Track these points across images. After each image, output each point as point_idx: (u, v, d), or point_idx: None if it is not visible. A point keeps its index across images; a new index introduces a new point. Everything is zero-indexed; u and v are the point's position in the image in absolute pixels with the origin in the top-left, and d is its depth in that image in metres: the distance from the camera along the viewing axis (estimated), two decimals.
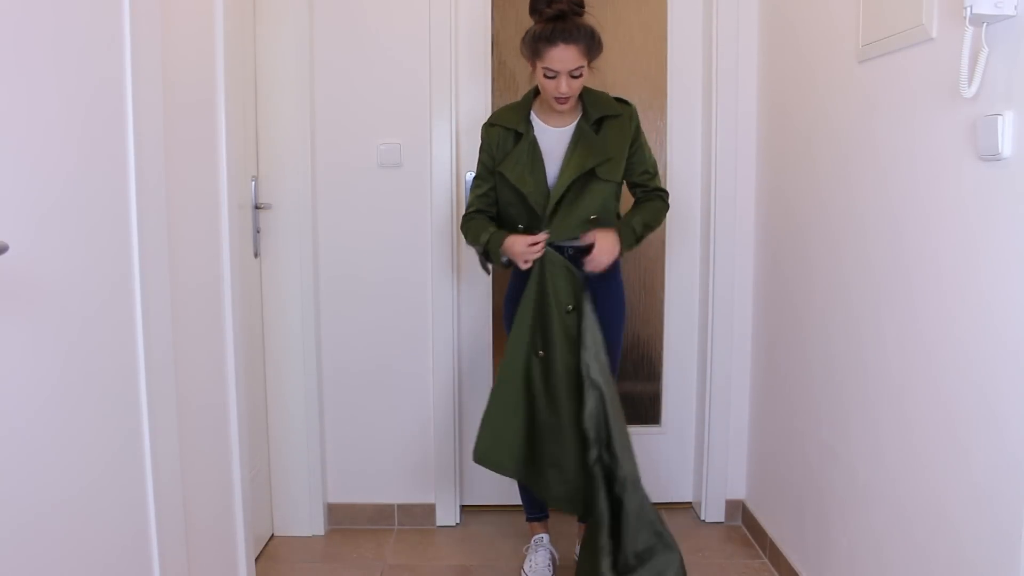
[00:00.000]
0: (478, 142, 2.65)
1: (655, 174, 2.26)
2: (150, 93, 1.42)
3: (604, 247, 2.07)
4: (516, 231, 2.15)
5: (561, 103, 2.09)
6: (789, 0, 2.31)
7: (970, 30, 1.30)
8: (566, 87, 2.04)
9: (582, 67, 2.04)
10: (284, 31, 2.45)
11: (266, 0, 2.44)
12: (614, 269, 2.21)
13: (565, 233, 2.11)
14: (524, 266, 2.09)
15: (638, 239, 2.16)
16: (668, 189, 2.69)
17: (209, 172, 1.79)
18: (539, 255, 2.08)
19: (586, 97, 2.18)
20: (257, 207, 2.48)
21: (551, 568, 2.35)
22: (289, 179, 2.51)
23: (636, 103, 2.68)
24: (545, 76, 2.05)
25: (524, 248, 2.07)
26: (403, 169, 2.61)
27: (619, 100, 2.22)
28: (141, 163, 1.37)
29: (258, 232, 2.50)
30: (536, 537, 2.40)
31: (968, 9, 1.26)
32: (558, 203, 2.10)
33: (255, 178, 2.47)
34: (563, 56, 2.01)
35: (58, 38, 1.16)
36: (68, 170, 1.19)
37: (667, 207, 2.27)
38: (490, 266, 2.26)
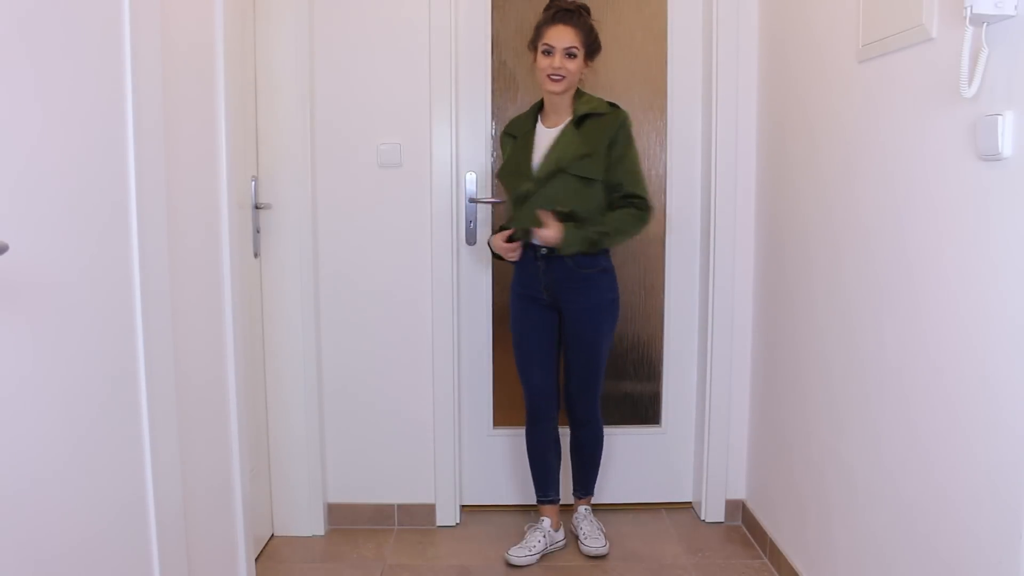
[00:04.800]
0: (478, 142, 2.70)
1: (636, 181, 2.31)
2: (150, 93, 1.42)
3: (546, 232, 2.25)
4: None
5: (554, 81, 2.25)
6: (789, 0, 2.31)
7: (970, 30, 1.30)
8: (559, 62, 2.23)
9: (575, 48, 2.24)
10: (284, 31, 2.45)
11: (266, 0, 2.44)
12: (595, 264, 2.33)
13: (522, 222, 2.32)
14: (512, 258, 2.38)
15: (591, 242, 2.27)
16: (668, 189, 2.74)
17: (209, 172, 1.79)
18: (517, 250, 2.35)
19: (578, 99, 2.33)
20: (257, 207, 2.48)
21: (534, 553, 2.41)
22: (289, 179, 2.51)
23: (636, 103, 2.72)
24: (542, 53, 2.26)
25: (502, 245, 2.36)
26: (403, 169, 2.61)
27: (613, 104, 2.35)
28: (141, 163, 1.37)
29: (258, 232, 2.50)
30: (540, 520, 2.51)
31: (968, 9, 1.26)
32: (526, 196, 2.30)
33: (255, 178, 2.47)
34: (559, 33, 2.24)
35: (57, 38, 1.16)
36: (68, 170, 1.19)
37: (642, 215, 2.33)
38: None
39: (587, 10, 2.31)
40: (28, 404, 1.10)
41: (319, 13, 2.55)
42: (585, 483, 2.58)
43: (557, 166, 2.26)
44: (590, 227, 2.26)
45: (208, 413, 1.78)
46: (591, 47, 2.29)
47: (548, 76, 2.25)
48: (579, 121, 2.29)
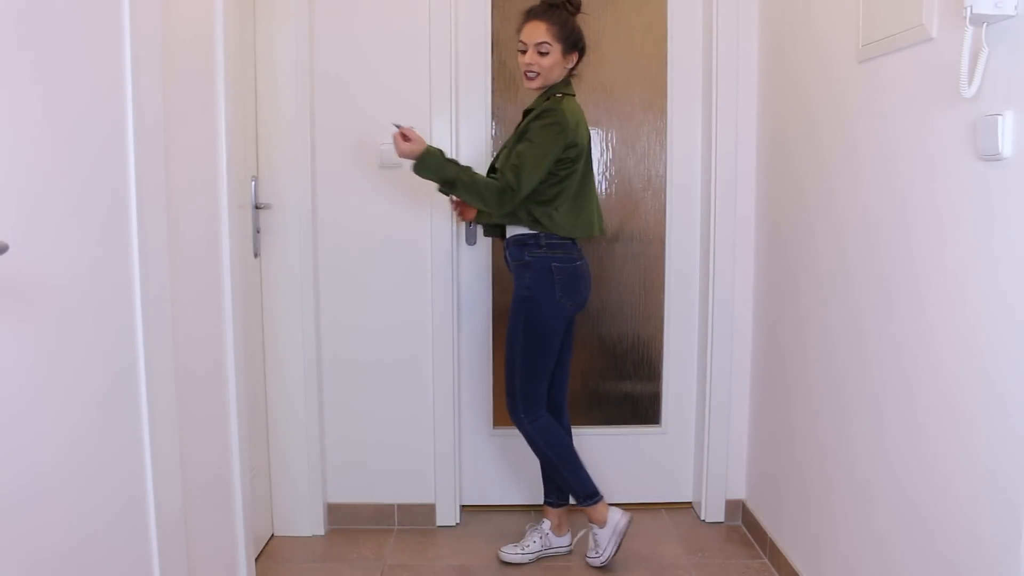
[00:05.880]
0: (478, 142, 2.71)
1: (511, 166, 2.17)
2: (150, 93, 1.42)
3: (402, 143, 2.16)
4: None
5: (528, 79, 2.26)
6: (789, 0, 2.31)
7: (970, 30, 1.30)
8: (530, 58, 2.22)
9: (547, 43, 2.20)
10: (284, 31, 2.45)
11: (266, 0, 2.44)
12: (519, 255, 2.28)
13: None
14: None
15: (443, 175, 2.16)
16: (668, 189, 2.74)
17: (209, 172, 1.79)
18: (457, 209, 2.50)
19: (540, 97, 2.28)
20: (257, 207, 2.48)
21: (527, 552, 2.41)
22: (289, 179, 2.51)
23: (636, 103, 2.72)
24: (519, 52, 2.25)
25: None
26: (403, 169, 2.59)
27: (562, 95, 2.24)
28: (141, 163, 1.37)
29: (258, 232, 2.50)
30: (541, 521, 2.50)
31: (968, 9, 1.26)
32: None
33: (255, 178, 2.47)
34: (532, 30, 2.22)
35: (58, 38, 1.16)
36: (68, 170, 1.19)
37: (498, 189, 2.15)
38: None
39: (572, 5, 2.23)
40: (28, 404, 1.10)
41: (319, 13, 2.55)
42: (553, 489, 2.47)
43: (492, 164, 2.34)
44: (456, 168, 2.17)
45: (208, 413, 1.78)
46: (569, 41, 2.21)
47: (524, 73, 2.25)
48: (523, 119, 2.28)
